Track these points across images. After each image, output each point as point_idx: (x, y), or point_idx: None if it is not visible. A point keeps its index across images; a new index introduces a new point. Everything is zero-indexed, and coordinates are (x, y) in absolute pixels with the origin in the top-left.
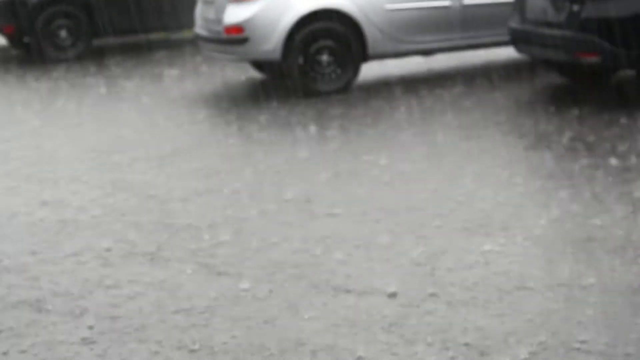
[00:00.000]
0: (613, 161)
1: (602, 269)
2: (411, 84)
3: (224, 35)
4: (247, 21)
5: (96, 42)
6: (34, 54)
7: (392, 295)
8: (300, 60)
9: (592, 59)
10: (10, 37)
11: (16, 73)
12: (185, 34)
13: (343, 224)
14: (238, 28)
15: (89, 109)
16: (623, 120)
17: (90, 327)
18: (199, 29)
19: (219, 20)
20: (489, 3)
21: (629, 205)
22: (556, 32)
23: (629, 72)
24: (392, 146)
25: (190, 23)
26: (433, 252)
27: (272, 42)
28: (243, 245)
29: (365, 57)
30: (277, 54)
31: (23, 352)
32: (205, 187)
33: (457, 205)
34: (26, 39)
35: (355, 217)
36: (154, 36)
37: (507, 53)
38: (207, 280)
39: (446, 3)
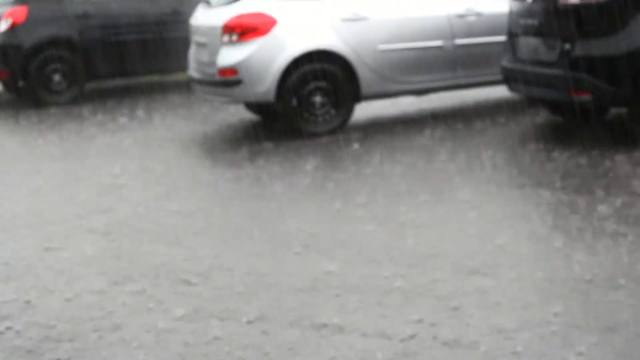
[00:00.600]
0: (606, 200)
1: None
2: (404, 124)
3: (218, 78)
4: (241, 63)
5: (90, 85)
6: (28, 98)
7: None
8: (294, 101)
9: (584, 97)
10: (4, 82)
11: (9, 118)
12: (179, 77)
13: (340, 265)
14: (231, 70)
15: (81, 152)
16: (617, 157)
17: None
18: (193, 71)
19: (212, 63)
20: (480, 43)
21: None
22: (548, 70)
23: (621, 110)
24: (386, 188)
25: (183, 65)
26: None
27: (265, 84)
28: (240, 288)
29: (359, 97)
30: (270, 96)
31: None
32: (197, 227)
33: (458, 247)
34: (20, 84)
35: (351, 260)
36: (148, 79)
37: (500, 92)
38: (204, 324)
39: (439, 43)
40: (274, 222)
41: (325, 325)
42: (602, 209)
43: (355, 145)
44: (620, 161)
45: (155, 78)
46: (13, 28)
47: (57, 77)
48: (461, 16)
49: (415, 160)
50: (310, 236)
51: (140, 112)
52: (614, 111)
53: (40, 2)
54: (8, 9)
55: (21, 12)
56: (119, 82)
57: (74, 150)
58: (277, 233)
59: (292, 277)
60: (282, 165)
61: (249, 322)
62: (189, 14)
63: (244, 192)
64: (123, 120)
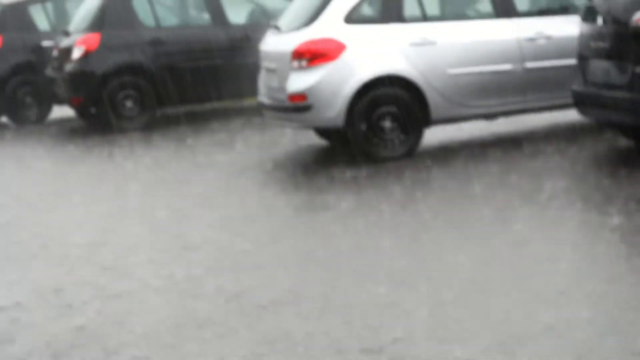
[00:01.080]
0: None
1: None
2: (475, 148)
3: (288, 103)
4: (310, 89)
5: (161, 111)
6: (100, 124)
7: None
8: (363, 126)
9: None
10: (77, 108)
11: (80, 144)
12: (249, 102)
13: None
14: (301, 96)
15: (155, 177)
16: None
17: None
18: (263, 97)
19: (282, 88)
20: (551, 66)
21: None
22: (619, 94)
23: None
24: (460, 214)
25: (254, 91)
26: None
27: (335, 109)
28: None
29: (428, 122)
30: (340, 121)
31: None
32: (270, 255)
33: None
34: (93, 110)
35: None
36: (218, 104)
37: (571, 116)
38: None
39: (508, 67)
40: (355, 252)
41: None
42: None
43: (425, 172)
44: None
45: (226, 104)
46: (86, 55)
47: (129, 104)
48: (531, 40)
49: (487, 187)
50: (396, 268)
51: (211, 139)
52: None
53: (113, 29)
54: (81, 36)
55: (94, 39)
56: (189, 108)
57: (148, 176)
58: (360, 264)
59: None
60: (352, 192)
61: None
62: (259, 39)
63: (319, 222)
64: (194, 146)
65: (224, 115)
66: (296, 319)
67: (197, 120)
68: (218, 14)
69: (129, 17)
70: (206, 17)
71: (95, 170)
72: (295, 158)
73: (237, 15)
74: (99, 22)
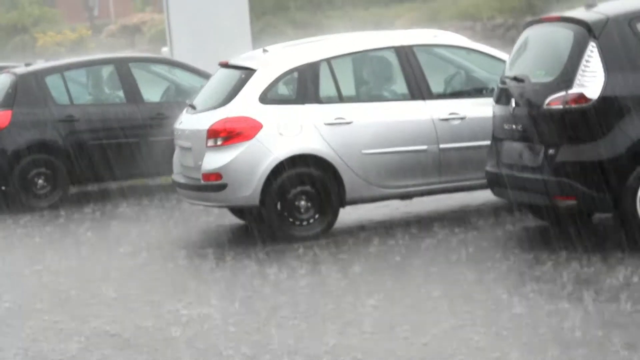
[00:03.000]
0: (590, 304)
1: None
2: (389, 229)
3: (202, 182)
4: (225, 167)
5: (73, 189)
6: (10, 202)
7: None
8: (278, 205)
9: (569, 203)
10: None
11: None
12: (164, 180)
13: None
14: (216, 174)
15: (61, 255)
16: (597, 261)
17: None
18: (177, 175)
19: (197, 167)
20: (465, 147)
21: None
22: (532, 175)
23: (605, 215)
24: (369, 293)
25: (168, 169)
26: None
27: (250, 188)
28: None
29: (344, 202)
30: (255, 200)
31: None
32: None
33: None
34: (3, 188)
35: None
36: (132, 182)
37: (484, 196)
38: None
39: (423, 147)
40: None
41: None
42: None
43: (337, 251)
44: (605, 265)
45: (140, 182)
46: None
47: (40, 182)
48: (446, 121)
49: (395, 269)
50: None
51: (122, 217)
52: (598, 216)
53: (25, 106)
54: None
55: (5, 117)
56: (102, 186)
57: (54, 256)
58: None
59: None
60: (269, 267)
61: None
62: (173, 117)
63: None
64: (106, 224)
65: (138, 193)
66: None
67: (110, 199)
68: (132, 92)
69: (42, 94)
70: (120, 94)
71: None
72: (207, 237)
73: (151, 93)
74: (10, 100)
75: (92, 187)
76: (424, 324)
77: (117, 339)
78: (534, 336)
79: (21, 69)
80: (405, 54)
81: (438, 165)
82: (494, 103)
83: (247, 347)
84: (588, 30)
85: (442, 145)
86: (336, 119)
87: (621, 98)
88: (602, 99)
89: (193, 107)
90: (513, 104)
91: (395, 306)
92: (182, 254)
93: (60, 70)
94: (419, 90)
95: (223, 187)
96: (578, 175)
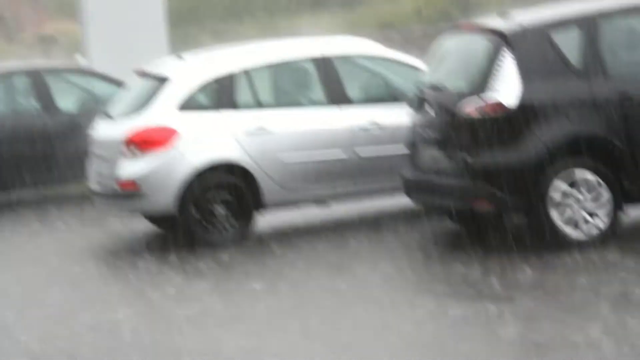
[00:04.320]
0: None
1: None
2: (306, 234)
3: (119, 190)
4: (142, 176)
5: None
6: None
7: None
8: (195, 213)
9: (485, 207)
10: None
11: None
12: (80, 189)
13: None
14: (132, 183)
15: None
16: (512, 262)
17: None
18: (93, 183)
19: (112, 175)
20: (382, 153)
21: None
22: (449, 181)
23: (520, 218)
24: (283, 297)
25: (84, 178)
26: None
27: (167, 196)
28: None
29: (261, 207)
30: (172, 208)
31: None
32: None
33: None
34: None
35: None
36: (48, 191)
37: (402, 202)
38: None
39: (340, 154)
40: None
41: None
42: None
43: (255, 257)
44: (517, 267)
45: (55, 190)
46: None
47: None
48: (362, 127)
49: (310, 272)
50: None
51: (37, 225)
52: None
53: None
54: None
55: None
56: (18, 195)
57: None
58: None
59: None
60: (184, 273)
61: None
62: (89, 126)
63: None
64: (19, 233)
65: (54, 201)
66: None
67: (27, 207)
68: (47, 101)
69: None
70: (34, 103)
71: None
72: (124, 245)
73: (66, 102)
74: None
75: (5, 196)
76: (323, 326)
77: (27, 346)
78: (438, 337)
79: None
80: (324, 63)
81: (355, 171)
82: (411, 111)
83: (157, 353)
84: (504, 40)
85: (359, 152)
86: (254, 127)
87: (535, 106)
88: (517, 106)
89: (109, 115)
90: (430, 112)
91: (306, 309)
92: (96, 261)
93: None
94: (336, 97)
95: (139, 195)
96: (493, 180)
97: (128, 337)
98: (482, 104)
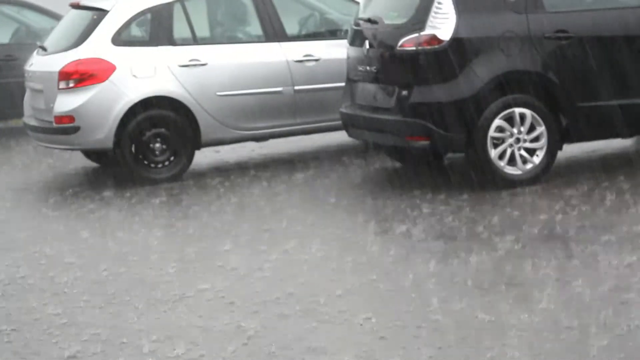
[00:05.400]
0: (437, 244)
1: None
2: (245, 171)
3: (54, 125)
4: (78, 110)
5: None
6: None
7: None
8: (133, 148)
9: (422, 143)
10: None
11: None
12: (14, 123)
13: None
14: (69, 117)
15: None
16: (449, 200)
17: None
18: (28, 118)
19: (48, 110)
20: (320, 88)
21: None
22: (385, 116)
23: (457, 155)
24: (223, 233)
25: (18, 112)
26: None
27: (103, 131)
28: None
29: (199, 144)
30: (109, 143)
31: None
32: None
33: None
34: None
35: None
36: None
37: (340, 137)
38: None
39: (278, 89)
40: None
41: None
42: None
43: (192, 194)
44: (454, 204)
45: None
46: None
47: None
48: (300, 63)
49: (252, 207)
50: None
51: None
52: (450, 156)
53: None
54: None
55: None
56: None
57: None
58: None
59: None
60: (121, 213)
61: None
62: (24, 59)
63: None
64: None
65: None
66: None
67: None
68: None
69: None
70: None
71: None
72: (61, 181)
73: (0, 34)
74: None
75: None
76: (271, 262)
77: None
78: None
79: None
80: None
81: (293, 107)
82: (348, 45)
83: (97, 292)
84: None
85: (296, 87)
86: (190, 60)
87: (472, 39)
88: (454, 40)
89: (44, 48)
90: (367, 46)
91: (248, 249)
92: (32, 197)
93: None
94: (273, 32)
95: (76, 129)
96: (431, 116)
97: (59, 270)
98: (418, 37)
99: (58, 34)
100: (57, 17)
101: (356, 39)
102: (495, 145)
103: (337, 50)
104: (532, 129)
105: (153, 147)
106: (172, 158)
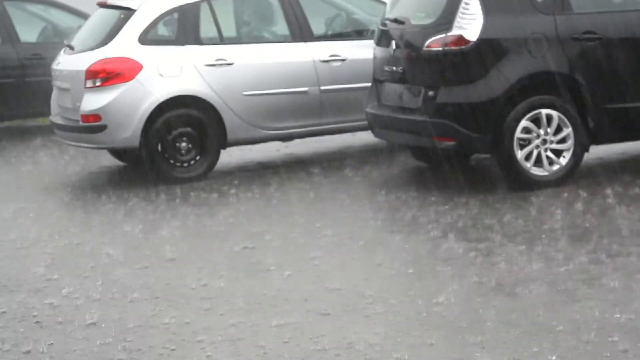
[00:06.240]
0: (465, 244)
1: None
2: (270, 170)
3: (81, 123)
4: (105, 109)
5: None
6: None
7: None
8: (159, 147)
9: (448, 144)
10: None
11: None
12: (41, 122)
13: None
14: (95, 116)
15: None
16: (475, 201)
17: None
18: (55, 116)
19: (75, 108)
20: (346, 88)
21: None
22: (412, 116)
23: (483, 156)
24: (245, 236)
25: (47, 111)
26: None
27: (130, 130)
28: None
29: (225, 143)
30: (135, 142)
31: None
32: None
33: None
34: None
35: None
36: (9, 124)
37: (366, 138)
38: None
39: (304, 89)
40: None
41: None
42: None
43: (218, 193)
44: (479, 205)
45: (17, 123)
46: None
47: None
48: (327, 63)
49: (276, 208)
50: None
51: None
52: (476, 157)
53: None
54: None
55: None
56: None
57: None
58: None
59: None
60: (148, 209)
61: None
62: (51, 58)
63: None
64: None
65: (15, 135)
66: None
67: None
68: (8, 32)
69: None
70: None
71: None
72: (88, 179)
73: (28, 33)
74: None
75: None
76: (297, 262)
77: None
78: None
79: None
80: None
81: (319, 106)
82: (374, 45)
83: (131, 286)
84: None
85: (322, 87)
86: (217, 60)
87: (499, 40)
88: (481, 41)
89: (71, 47)
90: (393, 46)
91: (268, 247)
92: (59, 196)
93: None
94: (300, 31)
95: (102, 128)
96: (457, 116)
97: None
98: (445, 38)
99: (85, 32)
100: (84, 16)
101: (383, 39)
102: (522, 147)
103: (363, 51)
104: (558, 130)
105: (179, 146)
106: (197, 157)
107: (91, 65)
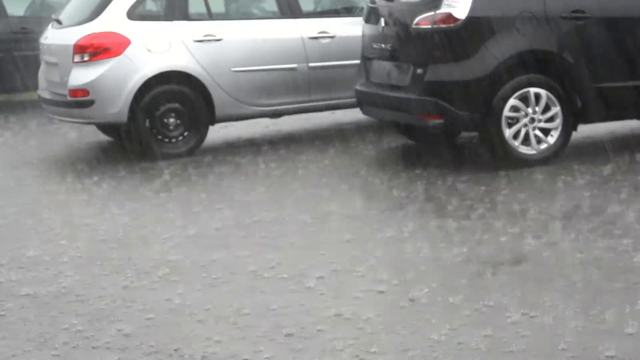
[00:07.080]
0: (450, 222)
1: None
2: (259, 147)
3: (69, 98)
4: (92, 84)
5: None
6: None
7: None
8: (147, 123)
9: (436, 122)
10: None
11: None
12: (29, 96)
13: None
14: (83, 90)
15: None
16: (463, 178)
17: None
18: (43, 91)
19: (63, 83)
20: (334, 65)
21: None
22: (400, 94)
23: (472, 134)
24: (235, 213)
25: (33, 85)
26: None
27: (118, 105)
28: None
29: (213, 120)
30: (123, 117)
31: None
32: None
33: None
34: None
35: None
36: None
37: (354, 115)
38: None
39: (293, 65)
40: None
41: None
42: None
43: (206, 169)
44: (466, 183)
45: (4, 97)
46: None
47: None
48: (315, 39)
49: (264, 184)
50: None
51: None
52: (464, 135)
53: None
54: None
55: None
56: None
57: None
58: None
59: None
60: (135, 184)
61: None
62: (38, 32)
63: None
64: None
65: (3, 109)
66: None
67: None
68: None
69: None
70: None
71: None
72: (76, 154)
73: (16, 7)
74: None
75: None
76: (280, 237)
77: None
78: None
79: None
80: None
81: (308, 83)
82: (363, 22)
83: (121, 259)
84: None
85: (311, 64)
86: (205, 35)
87: (488, 18)
88: (470, 19)
89: (59, 21)
90: (382, 24)
91: (254, 221)
92: (47, 171)
93: None
94: (289, 8)
95: (90, 103)
96: (445, 94)
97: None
98: (434, 16)
99: (73, 7)
100: None
101: (372, 16)
102: (510, 125)
103: (352, 28)
104: (547, 109)
105: (167, 122)
106: (186, 133)
107: (79, 39)
